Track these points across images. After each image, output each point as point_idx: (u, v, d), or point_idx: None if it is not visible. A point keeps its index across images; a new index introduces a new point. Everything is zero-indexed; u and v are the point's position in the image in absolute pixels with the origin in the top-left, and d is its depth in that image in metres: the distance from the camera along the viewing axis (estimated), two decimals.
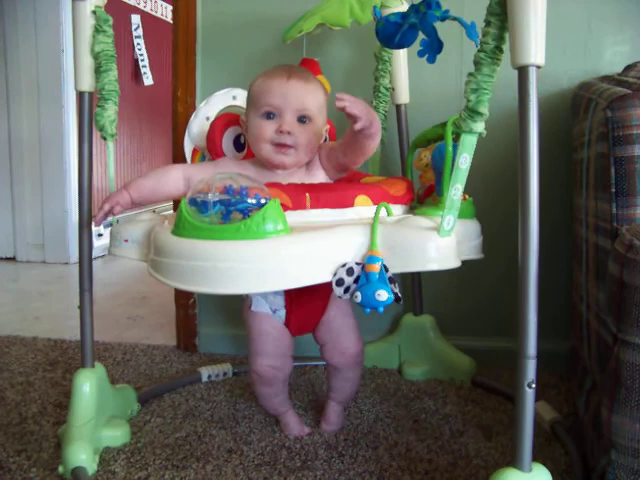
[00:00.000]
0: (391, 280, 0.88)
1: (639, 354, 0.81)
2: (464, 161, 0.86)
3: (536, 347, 0.82)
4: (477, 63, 0.85)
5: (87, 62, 1.09)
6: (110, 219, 1.11)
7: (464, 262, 0.94)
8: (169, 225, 1.00)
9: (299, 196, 0.98)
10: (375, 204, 1.00)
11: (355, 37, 1.53)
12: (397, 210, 1.05)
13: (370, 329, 1.53)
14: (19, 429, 1.23)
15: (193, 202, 0.90)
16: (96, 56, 1.08)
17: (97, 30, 1.07)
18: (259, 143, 1.09)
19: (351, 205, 1.01)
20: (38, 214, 3.11)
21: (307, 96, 1.08)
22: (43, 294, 2.48)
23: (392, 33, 0.99)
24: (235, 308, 1.71)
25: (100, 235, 3.10)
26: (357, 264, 0.89)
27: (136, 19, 3.53)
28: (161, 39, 3.72)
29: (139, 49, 3.55)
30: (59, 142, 3.02)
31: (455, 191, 0.87)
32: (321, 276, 0.89)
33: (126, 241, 1.08)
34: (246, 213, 0.88)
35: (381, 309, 0.88)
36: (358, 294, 0.88)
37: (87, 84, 1.10)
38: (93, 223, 1.09)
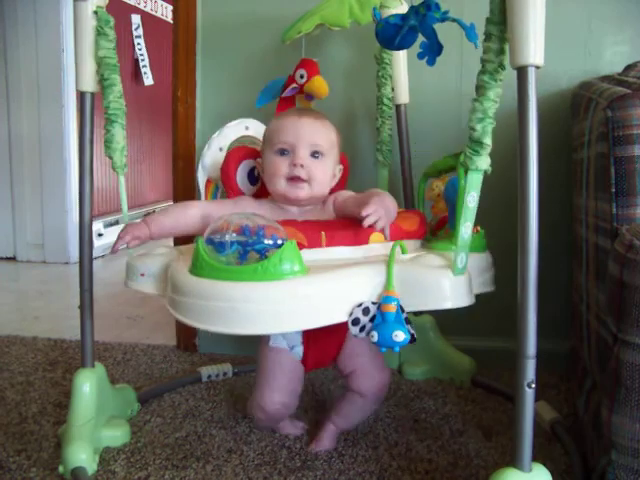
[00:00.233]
0: (407, 320, 0.90)
1: (639, 354, 0.81)
2: (472, 199, 0.88)
3: (536, 347, 0.82)
4: (481, 87, 0.85)
5: (89, 62, 1.09)
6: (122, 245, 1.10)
7: None
8: (185, 260, 1.01)
9: (315, 234, 0.99)
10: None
11: (354, 38, 1.53)
12: (410, 245, 1.06)
13: None
14: (19, 429, 1.23)
15: (210, 242, 0.92)
16: (99, 62, 1.08)
17: (99, 33, 1.07)
18: (274, 179, 1.11)
19: (366, 242, 1.03)
20: (38, 214, 3.11)
21: (318, 132, 1.11)
22: (43, 294, 2.48)
23: (392, 35, 0.99)
24: None
25: (100, 235, 3.11)
26: (373, 304, 0.91)
27: (136, 19, 3.54)
28: (161, 39, 3.72)
29: (139, 49, 3.55)
30: (59, 142, 3.02)
31: (465, 229, 0.89)
32: (337, 316, 0.91)
33: (142, 275, 1.10)
34: (263, 253, 0.89)
35: (397, 349, 0.89)
36: (374, 334, 0.89)
37: (89, 84, 1.10)
38: (110, 253, 1.09)
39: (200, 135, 1.65)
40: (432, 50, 0.94)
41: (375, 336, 0.89)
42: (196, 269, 0.94)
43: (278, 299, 0.88)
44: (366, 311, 0.90)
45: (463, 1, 1.40)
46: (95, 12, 1.07)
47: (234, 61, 1.62)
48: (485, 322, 1.58)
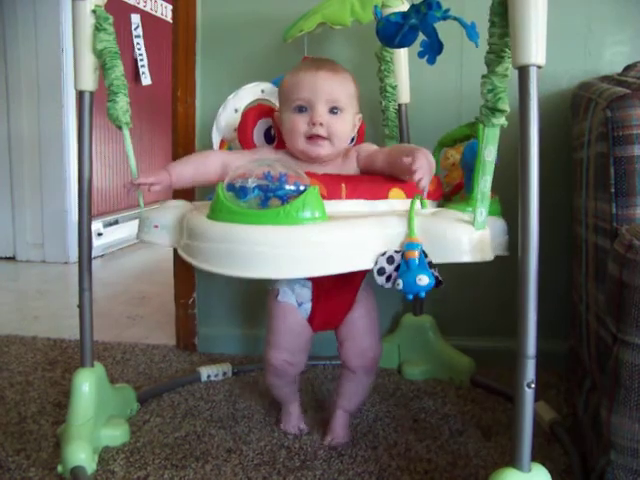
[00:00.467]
0: (431, 265, 0.89)
1: (638, 354, 0.81)
2: (489, 153, 0.87)
3: (535, 347, 0.82)
4: (488, 64, 0.86)
5: (87, 61, 1.09)
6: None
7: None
8: (201, 211, 1.00)
9: (335, 186, 0.98)
10: (409, 197, 1.00)
11: (356, 36, 1.53)
12: (429, 205, 1.06)
13: None
14: (18, 428, 1.23)
15: (231, 187, 0.91)
16: (100, 54, 1.08)
17: (98, 29, 1.07)
18: (293, 137, 1.10)
19: (385, 197, 1.02)
20: (38, 213, 3.10)
21: (337, 87, 1.09)
22: (42, 293, 2.48)
23: (392, 33, 0.98)
24: (235, 308, 1.71)
25: (100, 235, 3.10)
26: (396, 252, 0.90)
27: (136, 19, 3.53)
28: (161, 39, 3.71)
29: (138, 49, 3.55)
30: (59, 141, 3.02)
31: (484, 183, 0.88)
32: (361, 263, 0.90)
33: (156, 227, 1.08)
34: (285, 199, 0.88)
35: (423, 294, 0.89)
36: (400, 281, 0.89)
37: (87, 83, 1.10)
38: (124, 185, 1.07)
39: (200, 135, 1.65)
40: (433, 49, 0.94)
41: (400, 284, 0.88)
42: (214, 214, 0.92)
43: (300, 243, 0.87)
44: (390, 260, 0.90)
45: (464, 0, 1.40)
46: (93, 11, 1.07)
47: (234, 61, 1.62)
48: (485, 322, 1.58)
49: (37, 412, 1.31)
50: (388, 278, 0.90)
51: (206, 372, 1.49)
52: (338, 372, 1.24)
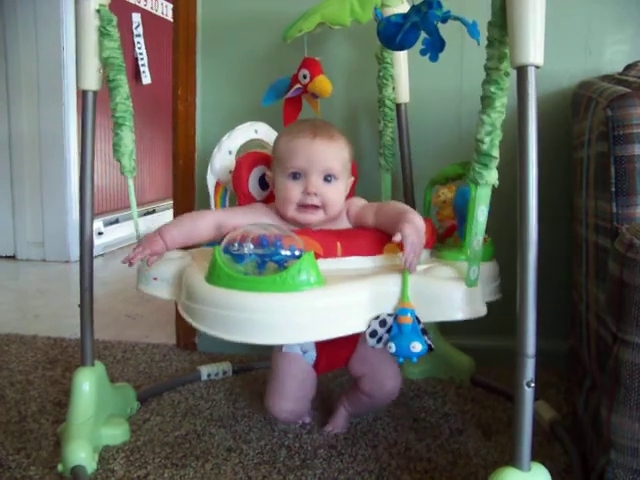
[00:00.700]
0: (423, 331, 0.92)
1: (639, 353, 0.81)
2: (482, 214, 0.90)
3: (535, 346, 0.82)
4: (487, 98, 0.86)
5: (91, 61, 1.09)
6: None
7: None
8: (198, 266, 1.02)
9: (330, 244, 1.00)
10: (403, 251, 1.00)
11: (355, 36, 1.53)
12: (422, 255, 1.05)
13: None
14: (18, 427, 1.23)
15: (228, 251, 0.93)
16: (104, 63, 1.08)
17: (102, 33, 1.07)
18: (286, 205, 1.10)
19: (381, 252, 1.04)
20: (38, 212, 3.10)
21: (332, 156, 1.09)
22: (43, 292, 2.48)
23: (393, 33, 0.98)
24: None
25: (100, 234, 3.10)
26: (389, 315, 0.92)
27: (136, 17, 3.53)
28: (161, 38, 3.71)
29: (139, 48, 3.55)
30: (59, 140, 3.02)
31: (477, 242, 0.91)
32: (354, 326, 0.93)
33: (155, 279, 1.10)
34: (281, 264, 0.90)
35: (415, 359, 0.91)
36: (392, 345, 0.91)
37: (91, 83, 1.10)
38: (122, 261, 1.08)
39: (200, 133, 1.65)
40: (435, 46, 0.93)
41: (393, 347, 0.91)
42: (213, 278, 0.94)
43: (296, 310, 0.89)
44: (383, 323, 0.92)
45: (464, 1, 1.40)
46: (98, 10, 1.07)
47: (234, 59, 1.62)
48: (484, 321, 1.57)
49: (37, 411, 1.31)
50: (379, 340, 0.92)
51: (206, 371, 1.49)
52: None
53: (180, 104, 1.65)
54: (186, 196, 1.66)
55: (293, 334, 0.91)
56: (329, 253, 1.00)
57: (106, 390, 1.19)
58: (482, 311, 0.95)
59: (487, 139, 0.86)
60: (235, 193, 1.24)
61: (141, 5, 3.63)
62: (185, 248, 1.16)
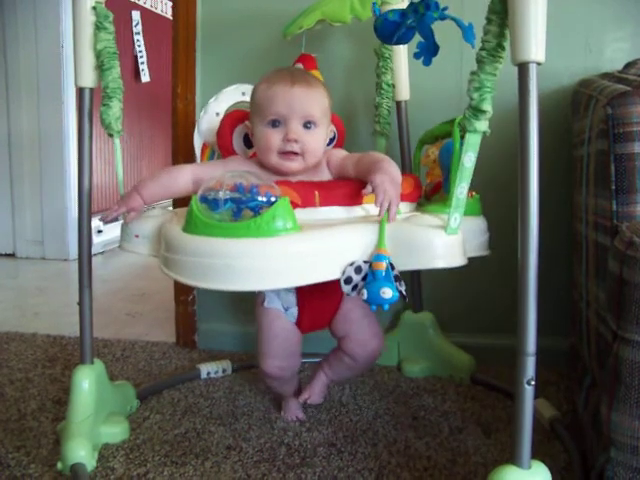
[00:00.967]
0: (397, 278, 0.90)
1: (639, 351, 0.81)
2: (469, 160, 0.88)
3: (536, 344, 0.82)
4: (479, 62, 0.86)
5: (88, 58, 1.09)
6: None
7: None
8: (179, 221, 1.01)
9: (308, 194, 0.99)
10: None
11: (355, 33, 1.53)
12: (404, 207, 1.06)
13: None
14: (18, 425, 1.23)
15: (204, 199, 0.92)
16: (98, 54, 1.08)
17: (98, 27, 1.07)
18: (267, 153, 1.09)
19: (360, 203, 1.03)
20: (37, 210, 3.10)
21: (312, 102, 1.08)
22: (42, 290, 2.48)
23: (390, 32, 0.98)
24: (235, 305, 1.71)
25: (100, 232, 3.10)
26: (365, 262, 0.91)
27: (136, 15, 3.53)
28: (161, 36, 3.71)
29: (138, 46, 3.54)
30: (59, 138, 3.01)
31: (461, 190, 0.89)
32: (330, 273, 0.91)
33: (137, 236, 1.10)
34: (257, 211, 0.89)
35: (386, 306, 0.90)
36: (364, 291, 0.90)
37: (87, 80, 1.10)
38: (100, 219, 1.09)
39: None
40: (429, 50, 0.94)
41: (365, 294, 0.90)
42: (189, 227, 0.94)
43: (271, 255, 0.88)
44: (358, 270, 0.91)
45: (463, 0, 1.40)
46: (94, 8, 1.07)
47: (234, 58, 1.62)
48: (485, 319, 1.58)
49: (37, 409, 1.31)
50: (354, 287, 0.91)
51: (206, 369, 1.49)
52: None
53: (180, 102, 1.64)
54: None
55: (269, 280, 0.89)
56: (307, 202, 0.99)
57: (106, 388, 1.19)
58: (462, 261, 0.93)
59: (476, 94, 0.86)
60: (220, 152, 1.24)
61: (141, 3, 3.63)
62: (174, 205, 1.15)
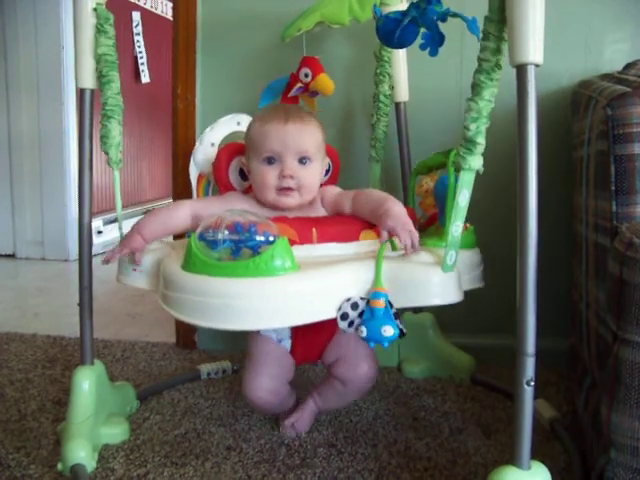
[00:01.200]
0: (396, 315, 0.91)
1: (638, 352, 0.81)
2: (464, 198, 0.89)
3: (535, 345, 0.82)
4: (477, 86, 0.86)
5: (88, 59, 1.09)
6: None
7: None
8: (177, 256, 1.02)
9: (306, 231, 1.00)
10: (379, 237, 1.00)
11: (354, 35, 1.53)
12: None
13: None
14: (18, 426, 1.23)
15: (203, 238, 0.93)
16: (98, 59, 1.08)
17: (98, 30, 1.07)
18: (264, 190, 1.10)
19: (357, 239, 1.04)
20: (38, 211, 3.10)
21: (306, 137, 1.09)
22: (42, 291, 2.48)
23: (392, 30, 0.98)
24: None
25: (100, 232, 3.10)
26: (362, 299, 0.92)
27: (136, 16, 3.53)
28: (161, 36, 3.71)
29: (138, 46, 3.54)
30: (59, 139, 3.02)
31: (456, 228, 0.90)
32: (328, 312, 0.92)
33: (134, 270, 1.10)
34: (255, 249, 0.90)
35: (386, 344, 0.90)
36: (363, 329, 0.91)
37: (88, 81, 1.10)
38: (102, 261, 1.10)
39: (200, 133, 1.65)
40: (434, 40, 0.93)
41: (364, 331, 0.90)
42: (188, 265, 0.94)
43: (270, 295, 0.89)
44: (355, 306, 0.91)
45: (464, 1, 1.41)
46: (94, 9, 1.07)
47: (234, 58, 1.62)
48: (484, 320, 1.58)
49: (37, 410, 1.31)
50: (350, 324, 0.92)
51: (206, 370, 1.49)
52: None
53: (180, 103, 1.64)
54: (185, 195, 1.65)
55: (267, 319, 0.90)
56: (305, 239, 1.00)
57: (106, 389, 1.19)
58: (458, 297, 0.94)
59: (473, 126, 0.86)
60: (216, 184, 1.25)
61: (141, 4, 3.63)
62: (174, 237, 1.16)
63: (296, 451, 1.14)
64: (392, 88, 1.42)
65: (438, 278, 0.92)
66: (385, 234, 0.96)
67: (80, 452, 1.04)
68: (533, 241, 0.81)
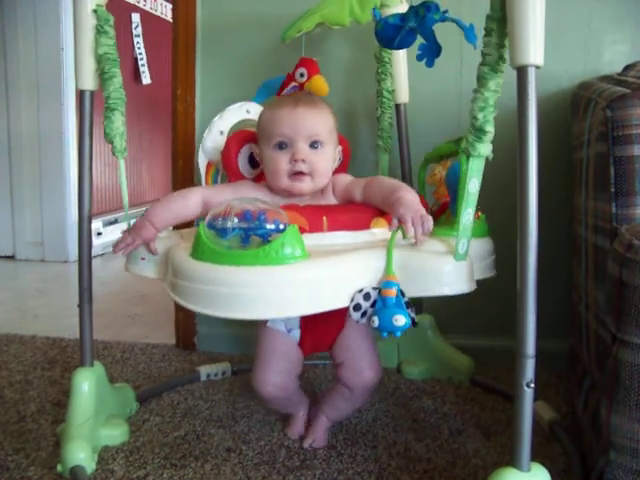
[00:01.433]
0: (408, 305, 0.90)
1: (638, 354, 0.81)
2: (474, 186, 0.88)
3: (535, 346, 0.82)
4: (482, 78, 0.86)
5: (88, 61, 1.08)
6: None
7: None
8: (185, 245, 1.01)
9: (316, 219, 0.99)
10: (390, 225, 1.00)
11: (355, 36, 1.53)
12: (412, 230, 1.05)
13: None
14: (18, 428, 1.23)
15: (212, 226, 0.92)
16: (99, 59, 1.08)
17: (99, 31, 1.07)
18: (276, 176, 1.09)
19: (368, 227, 1.03)
20: (37, 212, 3.10)
21: (316, 121, 1.08)
22: (42, 292, 2.48)
23: (391, 36, 0.99)
24: None
25: (99, 234, 3.10)
26: (374, 289, 0.90)
27: (136, 18, 3.53)
28: (161, 38, 3.71)
29: (138, 48, 3.55)
30: (58, 140, 3.02)
31: (467, 216, 0.89)
32: (338, 301, 0.91)
33: (143, 259, 1.10)
34: (265, 238, 0.89)
35: (398, 333, 0.89)
36: (375, 319, 0.89)
37: (88, 82, 1.10)
38: (113, 250, 1.10)
39: (200, 133, 1.65)
40: (431, 52, 0.94)
41: (376, 321, 0.89)
42: (197, 253, 0.93)
43: (279, 284, 0.88)
44: (367, 296, 0.90)
45: (462, 1, 1.41)
46: (94, 10, 1.07)
47: (234, 60, 1.62)
48: (484, 321, 1.58)
49: (36, 411, 1.31)
50: (363, 314, 0.90)
51: (205, 371, 1.49)
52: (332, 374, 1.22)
53: (179, 104, 1.65)
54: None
55: (277, 308, 0.89)
56: (315, 228, 0.99)
57: (105, 390, 1.19)
58: (470, 287, 0.93)
59: (480, 115, 0.86)
60: (225, 172, 1.24)
61: (140, 5, 3.63)
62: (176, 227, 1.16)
63: (296, 453, 1.14)
64: (391, 84, 1.42)
65: (450, 267, 0.90)
66: (396, 222, 0.95)
67: (80, 454, 1.04)
68: (533, 242, 0.81)
